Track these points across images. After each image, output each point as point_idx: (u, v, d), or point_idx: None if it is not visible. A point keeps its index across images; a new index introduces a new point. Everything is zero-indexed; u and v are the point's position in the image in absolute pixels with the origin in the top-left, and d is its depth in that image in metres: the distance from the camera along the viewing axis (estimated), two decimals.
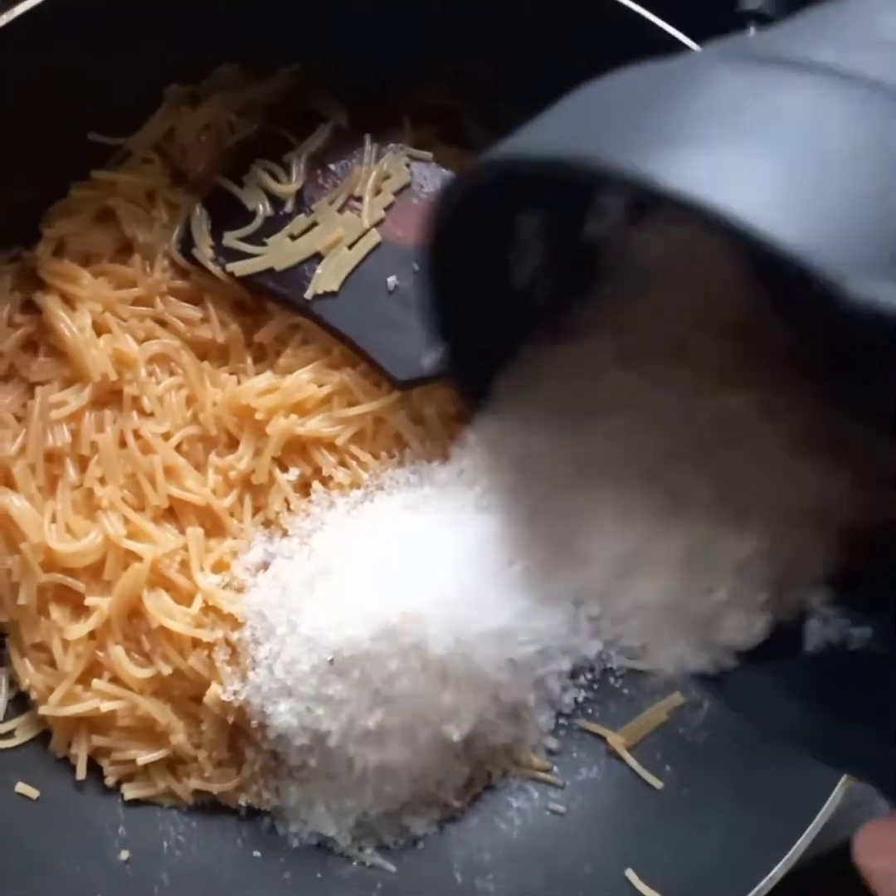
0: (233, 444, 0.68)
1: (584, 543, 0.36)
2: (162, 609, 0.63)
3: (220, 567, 0.65)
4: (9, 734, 0.64)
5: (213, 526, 0.67)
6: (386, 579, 0.61)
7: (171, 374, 0.68)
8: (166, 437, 0.66)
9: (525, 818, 0.69)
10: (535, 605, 0.65)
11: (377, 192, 0.69)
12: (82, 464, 0.66)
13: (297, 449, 0.67)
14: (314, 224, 0.69)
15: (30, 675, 0.64)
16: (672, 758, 0.69)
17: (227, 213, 0.69)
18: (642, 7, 0.65)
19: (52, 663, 0.64)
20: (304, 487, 0.67)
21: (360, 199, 0.69)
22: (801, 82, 0.26)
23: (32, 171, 0.67)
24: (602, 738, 0.71)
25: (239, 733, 0.65)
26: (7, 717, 0.64)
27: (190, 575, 0.64)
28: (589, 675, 0.72)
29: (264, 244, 0.68)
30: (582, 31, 0.69)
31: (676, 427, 0.36)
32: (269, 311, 0.70)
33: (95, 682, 0.63)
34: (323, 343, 0.69)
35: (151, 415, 0.67)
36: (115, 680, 0.64)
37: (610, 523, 0.36)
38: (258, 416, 0.66)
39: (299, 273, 0.68)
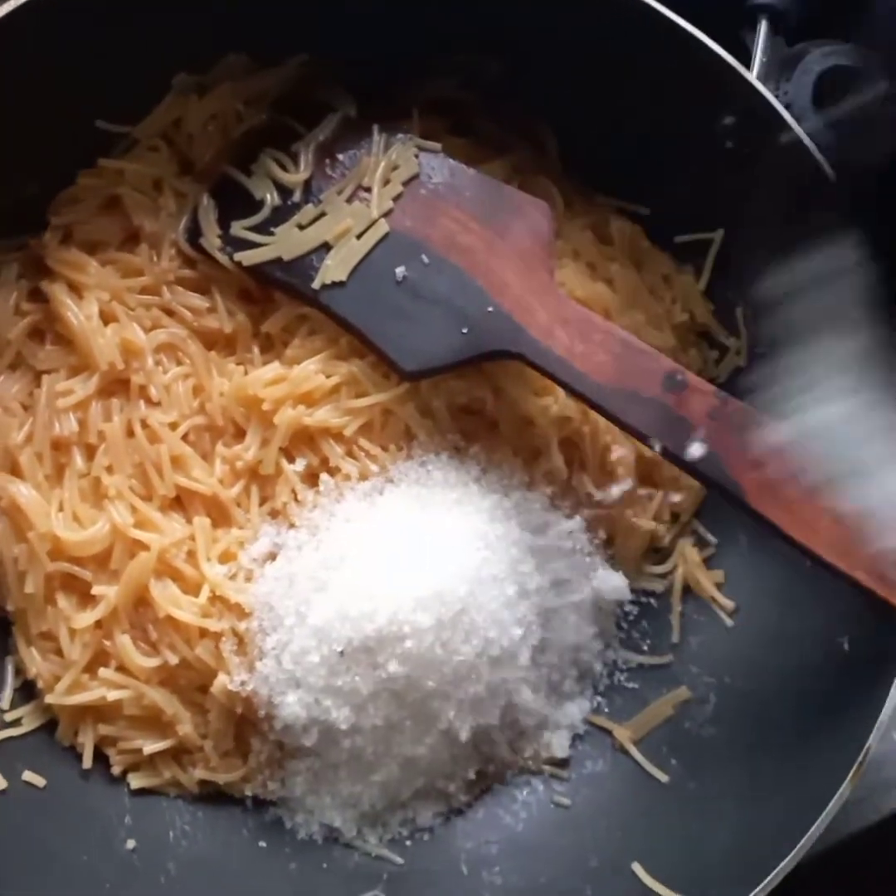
0: (240, 434, 0.68)
1: None
2: (169, 598, 0.63)
3: (227, 557, 0.65)
4: (16, 722, 0.63)
5: (220, 516, 0.66)
6: (397, 571, 0.61)
7: (178, 363, 0.68)
8: (173, 426, 0.66)
9: (531, 811, 0.69)
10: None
11: (386, 182, 0.69)
12: (89, 452, 0.66)
13: (304, 439, 0.67)
14: (322, 214, 0.68)
15: (36, 663, 0.64)
16: (678, 752, 0.69)
17: (234, 203, 0.69)
18: None
19: (59, 652, 0.63)
20: (311, 478, 0.67)
21: (368, 190, 0.69)
22: None
23: (39, 159, 0.67)
24: (608, 732, 0.71)
25: (245, 724, 0.65)
26: (13, 706, 0.64)
27: (197, 565, 0.64)
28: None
29: (272, 234, 0.68)
30: (589, 24, 0.68)
31: None
32: (277, 300, 0.69)
33: (102, 671, 0.63)
34: (330, 333, 0.68)
35: (158, 404, 0.67)
36: (121, 669, 0.63)
37: None
38: (265, 406, 0.66)
39: (307, 263, 0.67)
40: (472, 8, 0.69)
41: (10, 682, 0.64)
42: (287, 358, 0.68)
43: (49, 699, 0.63)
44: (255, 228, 0.69)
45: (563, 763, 0.70)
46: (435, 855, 0.66)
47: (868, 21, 0.76)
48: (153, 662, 0.63)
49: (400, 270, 0.66)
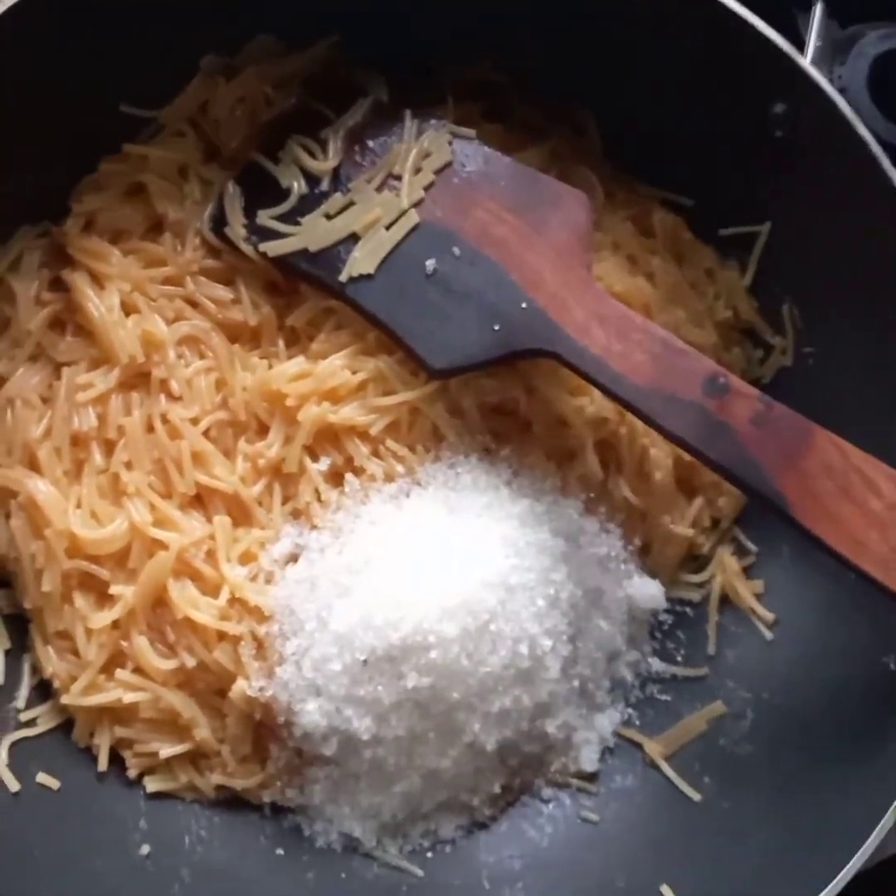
0: (263, 430, 0.66)
1: None
2: (187, 600, 0.62)
3: (247, 558, 0.63)
4: (31, 722, 0.62)
5: (241, 515, 0.64)
6: (423, 579, 0.58)
7: (201, 356, 0.66)
8: (194, 422, 0.64)
9: (556, 825, 0.67)
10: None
11: (417, 170, 0.66)
12: (108, 448, 0.64)
13: (328, 438, 0.65)
14: (351, 204, 0.66)
15: (52, 662, 0.62)
16: (712, 769, 0.66)
17: (260, 191, 0.67)
18: None
19: (76, 652, 0.62)
20: (335, 478, 0.65)
21: (399, 178, 0.66)
22: None
23: (63, 144, 0.65)
24: (638, 746, 0.68)
25: (264, 729, 0.63)
26: (29, 706, 0.63)
27: (216, 565, 0.63)
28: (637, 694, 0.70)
29: (298, 223, 0.66)
30: (633, 5, 0.65)
31: None
32: (303, 293, 0.67)
33: (119, 673, 0.62)
34: (357, 328, 0.66)
35: (179, 399, 0.65)
36: (138, 671, 0.62)
37: None
38: (289, 402, 0.64)
39: (334, 255, 0.65)
40: None
41: (27, 680, 0.63)
42: (312, 352, 0.66)
43: (65, 700, 0.62)
44: (282, 218, 0.66)
45: (591, 777, 0.68)
46: (456, 868, 0.65)
47: None
48: (170, 665, 0.61)
49: (430, 263, 0.64)
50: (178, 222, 0.67)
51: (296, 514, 0.65)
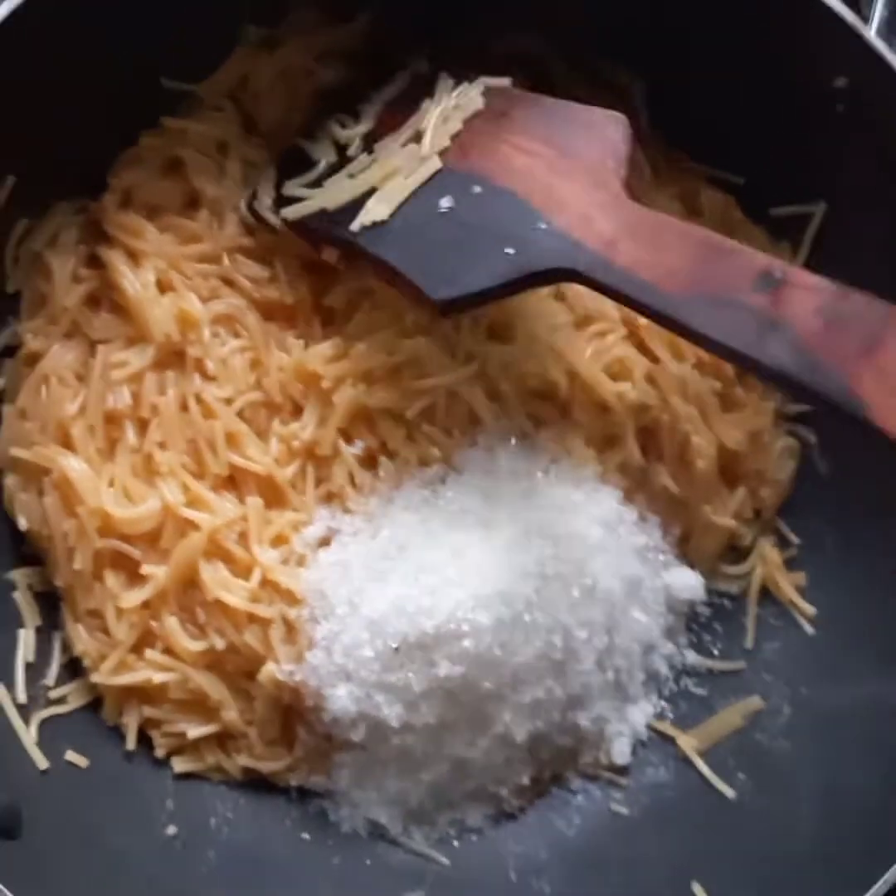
0: (297, 411, 0.65)
1: None
2: (218, 581, 0.61)
3: (279, 541, 0.63)
4: (61, 700, 0.62)
5: (274, 497, 0.64)
6: (458, 567, 0.57)
7: (236, 336, 0.65)
8: (228, 402, 0.63)
9: (585, 817, 0.66)
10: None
11: (444, 120, 0.62)
12: (142, 427, 0.63)
13: (363, 420, 0.64)
14: (374, 162, 0.63)
15: (83, 640, 0.62)
16: (747, 766, 0.65)
17: (294, 168, 0.65)
18: None
19: (106, 630, 0.62)
20: (370, 462, 0.64)
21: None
22: None
23: (102, 118, 0.64)
24: (671, 740, 0.67)
25: (292, 713, 0.63)
26: (59, 683, 0.63)
27: (248, 547, 0.62)
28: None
29: (321, 187, 0.64)
30: None
31: None
32: (340, 273, 0.66)
33: (148, 653, 0.61)
34: (395, 309, 0.64)
35: (214, 378, 0.64)
36: (167, 651, 0.62)
37: None
38: (324, 383, 0.63)
39: (352, 211, 0.61)
40: None
41: (57, 658, 0.63)
42: (348, 333, 0.65)
43: (95, 678, 0.62)
44: (308, 186, 0.64)
45: (622, 770, 0.67)
46: (482, 858, 0.64)
47: None
48: (200, 646, 0.61)
49: (445, 201, 0.59)
50: (216, 199, 0.65)
51: (329, 498, 0.64)
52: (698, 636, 0.69)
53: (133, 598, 0.61)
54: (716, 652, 0.69)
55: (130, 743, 0.62)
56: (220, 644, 0.61)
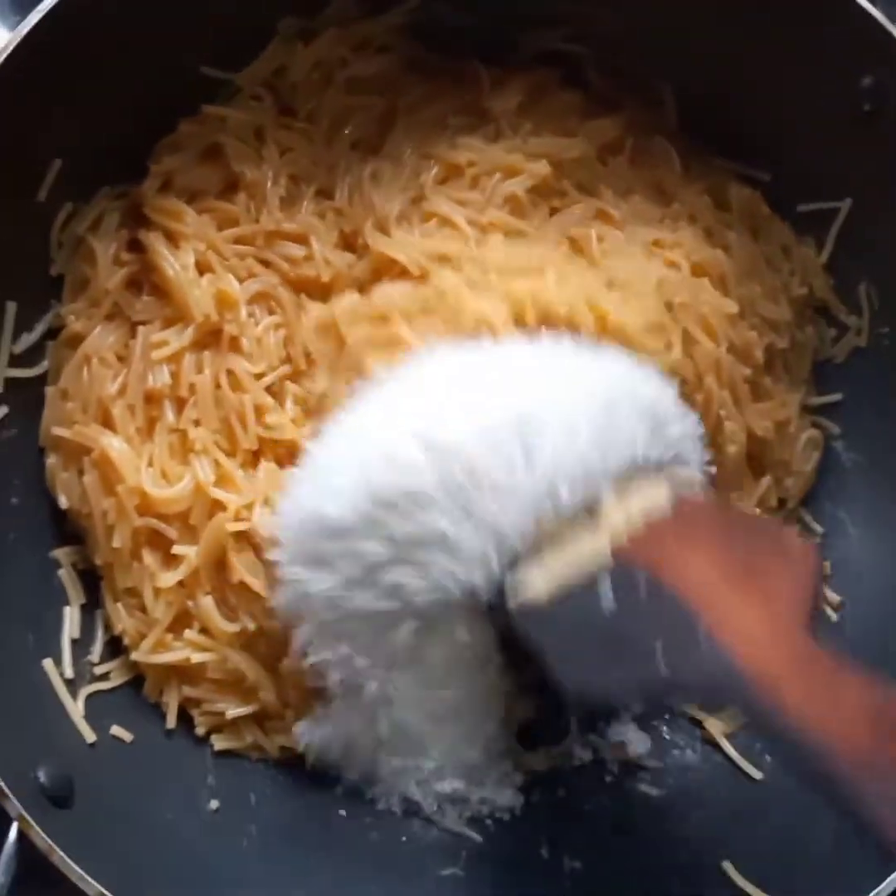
0: None
1: None
2: (246, 564, 0.61)
3: None
4: (104, 676, 0.63)
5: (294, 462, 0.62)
6: None
7: (270, 312, 0.65)
8: (258, 377, 0.64)
9: (615, 798, 0.67)
10: None
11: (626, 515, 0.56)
12: (179, 406, 0.64)
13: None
14: None
15: (122, 619, 0.63)
16: (773, 749, 0.66)
17: None
18: None
19: (144, 609, 0.63)
20: None
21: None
22: None
23: (143, 104, 0.65)
24: (699, 723, 0.68)
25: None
26: (103, 660, 0.63)
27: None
28: None
29: None
30: None
31: None
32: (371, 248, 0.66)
33: (187, 633, 0.62)
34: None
35: (249, 356, 0.64)
36: (204, 631, 0.62)
37: None
38: (342, 328, 0.62)
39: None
40: None
41: (100, 635, 0.64)
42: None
43: (134, 656, 0.62)
44: None
45: (650, 753, 0.67)
46: (515, 836, 0.65)
47: None
48: (234, 627, 0.61)
49: (605, 593, 0.52)
50: (255, 183, 0.66)
51: None
52: None
53: (169, 578, 0.61)
54: None
55: (171, 722, 0.63)
56: (250, 626, 0.61)
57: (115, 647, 0.64)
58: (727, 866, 0.60)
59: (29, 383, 0.64)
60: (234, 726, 0.63)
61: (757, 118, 0.70)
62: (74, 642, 0.62)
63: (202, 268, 0.65)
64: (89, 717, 0.60)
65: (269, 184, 0.66)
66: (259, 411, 0.63)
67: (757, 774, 0.65)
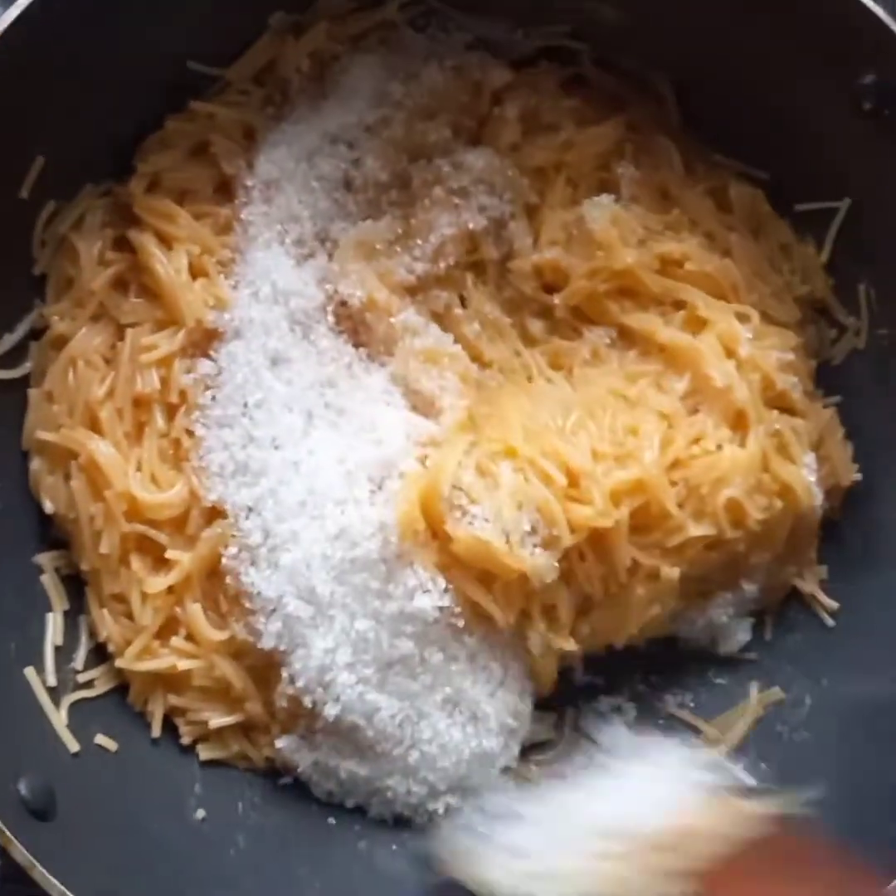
0: None
1: None
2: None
3: None
4: (88, 684, 0.62)
5: None
6: None
7: None
8: None
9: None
10: None
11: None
12: (170, 411, 0.63)
13: None
14: None
15: (108, 625, 0.62)
16: (768, 756, 0.65)
17: None
18: None
19: (130, 615, 0.62)
20: None
21: None
22: None
23: (127, 100, 0.64)
24: (696, 729, 0.67)
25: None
26: (87, 667, 0.62)
27: None
28: None
29: None
30: None
31: None
32: None
33: (173, 640, 0.61)
34: None
35: None
36: (190, 638, 0.61)
37: None
38: None
39: None
40: None
41: (84, 642, 0.63)
42: None
43: (119, 663, 0.61)
44: None
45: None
46: None
47: None
48: (222, 635, 0.61)
49: None
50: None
51: None
52: None
53: (158, 583, 0.61)
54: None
55: (156, 730, 0.62)
56: (241, 633, 0.61)
57: (100, 654, 0.63)
58: None
59: (11, 384, 0.63)
60: (219, 735, 0.63)
61: (757, 115, 0.69)
62: (57, 649, 0.61)
63: (195, 271, 0.64)
64: (72, 725, 0.59)
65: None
66: None
67: (752, 782, 0.64)
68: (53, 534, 0.64)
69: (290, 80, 0.67)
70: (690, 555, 0.62)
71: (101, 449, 0.61)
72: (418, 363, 0.63)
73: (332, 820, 0.64)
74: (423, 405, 0.63)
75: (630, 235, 0.67)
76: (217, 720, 0.62)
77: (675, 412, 0.63)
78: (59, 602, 0.63)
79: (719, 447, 0.63)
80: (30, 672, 0.59)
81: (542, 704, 0.66)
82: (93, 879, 0.51)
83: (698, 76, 0.69)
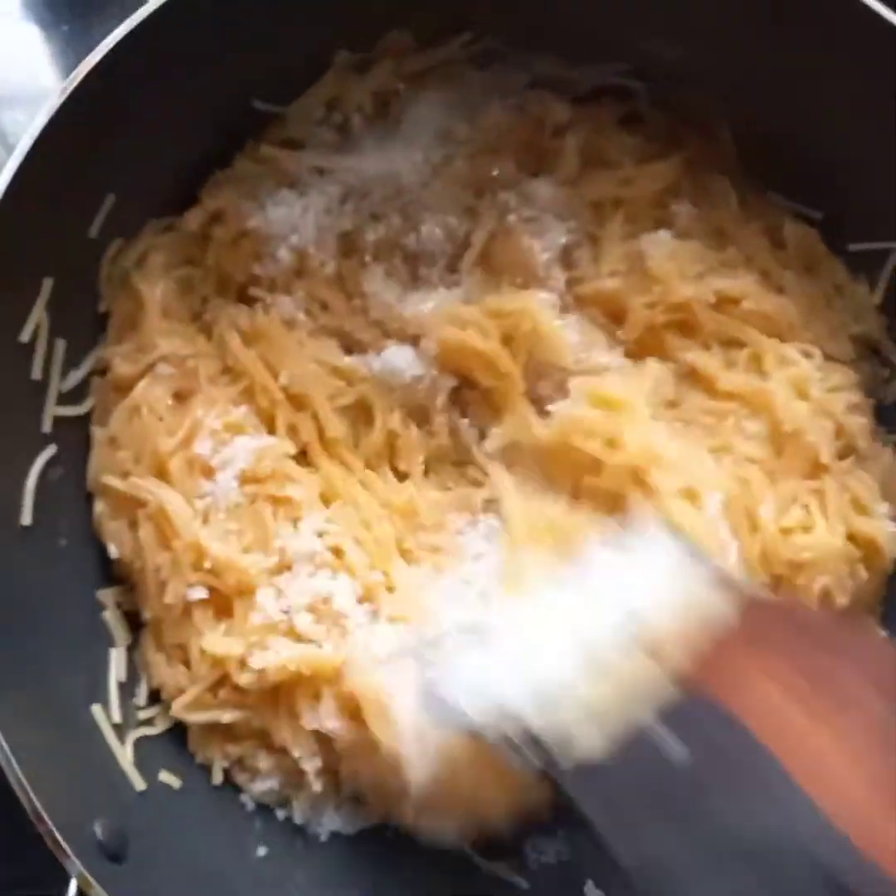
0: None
1: None
2: None
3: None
4: (149, 721, 0.62)
5: None
6: None
7: None
8: None
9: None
10: None
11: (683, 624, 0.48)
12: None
13: None
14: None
15: (161, 672, 0.62)
16: None
17: None
18: None
19: (188, 663, 0.61)
20: None
21: None
22: None
23: (193, 138, 0.64)
24: None
25: None
26: (147, 704, 0.62)
27: None
28: None
29: None
30: (775, 7, 0.62)
31: None
32: None
33: (221, 692, 0.61)
34: None
35: None
36: (235, 689, 0.60)
37: None
38: None
39: None
40: None
41: (145, 680, 0.63)
42: None
43: (173, 712, 0.61)
44: None
45: None
46: (560, 881, 0.64)
47: None
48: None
49: (676, 745, 0.44)
50: None
51: None
52: None
53: (218, 644, 0.59)
54: None
55: (217, 778, 0.62)
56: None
57: (158, 692, 0.63)
58: None
59: (76, 421, 0.64)
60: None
61: (813, 155, 0.69)
62: (120, 685, 0.61)
63: None
64: (137, 763, 0.59)
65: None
66: None
67: None
68: (113, 570, 0.64)
69: (351, 117, 0.67)
70: None
71: (171, 500, 0.60)
72: None
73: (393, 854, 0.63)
74: None
75: (688, 270, 0.67)
76: (266, 763, 0.61)
77: (765, 458, 0.63)
78: (121, 638, 0.63)
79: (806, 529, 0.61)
80: (97, 710, 0.59)
81: None
82: None
83: (754, 115, 0.69)
